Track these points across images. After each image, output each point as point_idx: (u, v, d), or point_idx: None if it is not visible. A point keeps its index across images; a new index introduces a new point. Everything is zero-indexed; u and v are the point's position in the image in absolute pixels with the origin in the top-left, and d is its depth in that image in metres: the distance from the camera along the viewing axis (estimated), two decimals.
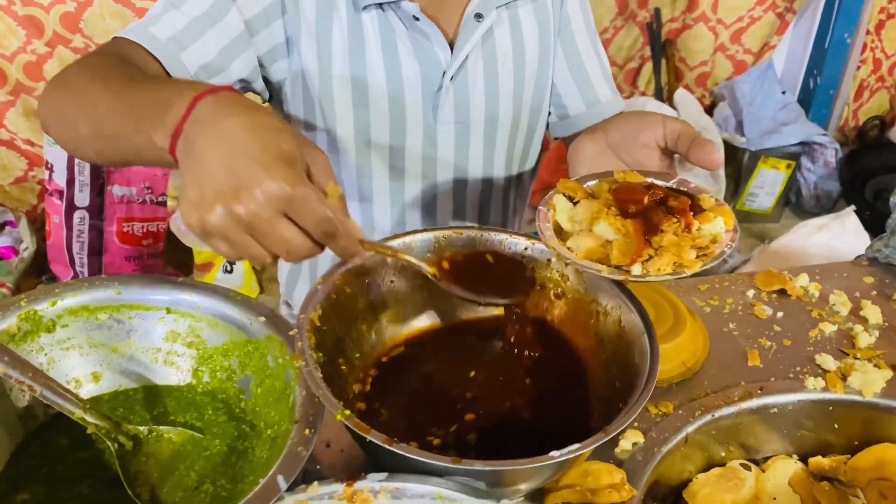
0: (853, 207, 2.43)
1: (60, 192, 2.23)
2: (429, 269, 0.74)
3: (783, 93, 3.01)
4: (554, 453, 0.59)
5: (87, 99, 0.75)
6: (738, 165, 2.94)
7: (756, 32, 3.07)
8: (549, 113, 1.15)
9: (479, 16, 0.98)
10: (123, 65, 0.81)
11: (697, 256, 0.67)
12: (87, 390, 0.74)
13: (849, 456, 0.83)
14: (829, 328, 0.94)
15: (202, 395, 0.75)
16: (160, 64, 0.86)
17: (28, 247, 2.34)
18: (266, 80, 1.01)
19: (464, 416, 0.74)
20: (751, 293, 1.00)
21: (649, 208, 0.69)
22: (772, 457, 0.84)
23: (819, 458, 0.84)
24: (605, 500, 0.69)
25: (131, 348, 0.75)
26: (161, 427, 0.70)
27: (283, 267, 1.26)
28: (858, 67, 3.15)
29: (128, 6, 2.29)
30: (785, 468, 0.82)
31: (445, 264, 0.78)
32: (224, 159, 0.56)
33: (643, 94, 3.10)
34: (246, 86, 0.98)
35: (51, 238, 2.31)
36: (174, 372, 0.76)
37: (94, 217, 2.29)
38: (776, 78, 3.05)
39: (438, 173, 1.07)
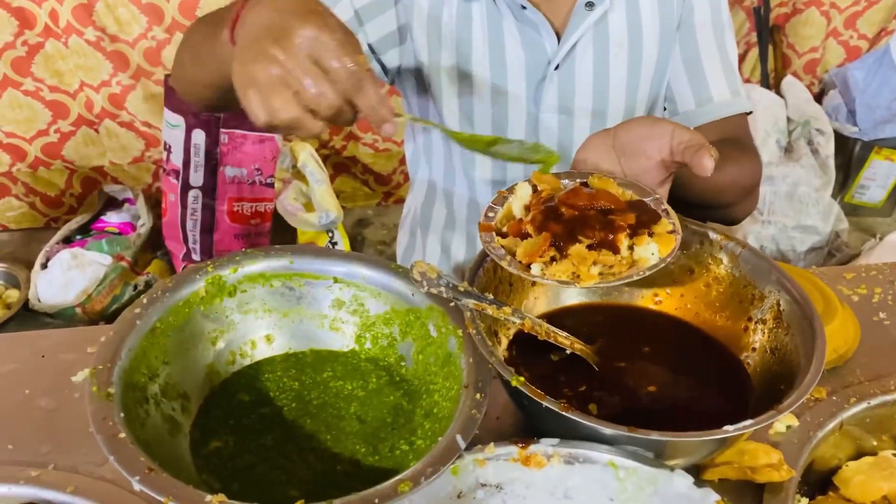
0: None
1: (177, 172, 2.33)
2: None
3: None
4: (728, 427, 0.60)
5: (190, 34, 0.84)
6: (849, 156, 2.82)
7: (873, 17, 2.94)
8: (664, 108, 1.11)
9: (590, 4, 0.97)
10: None
11: (601, 274, 0.68)
12: (261, 350, 0.79)
13: None
14: None
15: (365, 361, 0.79)
16: None
17: (145, 223, 2.47)
18: (382, 67, 1.04)
19: (607, 388, 0.75)
20: None
21: (582, 216, 0.69)
22: None
23: None
24: (764, 477, 0.69)
25: (301, 314, 0.80)
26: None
27: (401, 242, 1.30)
28: None
29: None
30: None
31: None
32: (265, 19, 0.62)
33: (748, 80, 3.01)
34: None
35: (166, 215, 2.43)
36: (339, 337, 0.80)
37: (206, 196, 2.39)
38: (893, 65, 2.91)
39: None
